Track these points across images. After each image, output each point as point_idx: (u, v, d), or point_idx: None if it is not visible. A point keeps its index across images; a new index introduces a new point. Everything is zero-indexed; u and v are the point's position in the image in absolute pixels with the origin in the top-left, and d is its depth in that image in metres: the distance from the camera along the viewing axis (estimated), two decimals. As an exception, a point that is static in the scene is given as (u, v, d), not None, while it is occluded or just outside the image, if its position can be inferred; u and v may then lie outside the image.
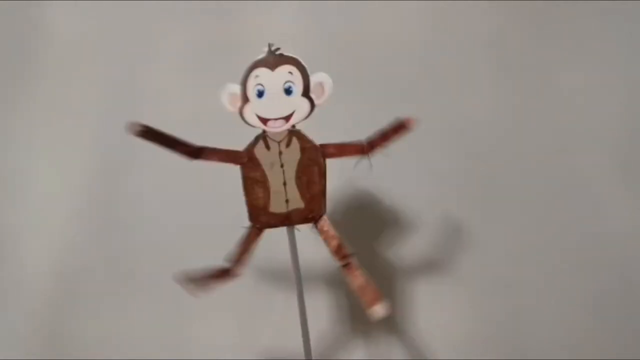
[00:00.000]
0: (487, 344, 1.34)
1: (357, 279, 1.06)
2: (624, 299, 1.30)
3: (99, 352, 1.42)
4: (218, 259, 1.34)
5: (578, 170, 1.32)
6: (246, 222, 1.10)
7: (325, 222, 1.09)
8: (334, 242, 1.08)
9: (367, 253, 1.36)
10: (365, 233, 1.38)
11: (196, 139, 1.33)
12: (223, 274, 1.11)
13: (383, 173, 1.20)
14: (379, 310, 1.03)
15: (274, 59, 1.07)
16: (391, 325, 1.37)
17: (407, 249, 1.37)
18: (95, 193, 1.45)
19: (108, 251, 1.44)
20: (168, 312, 1.42)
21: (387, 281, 1.37)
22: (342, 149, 1.07)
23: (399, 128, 1.03)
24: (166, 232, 1.43)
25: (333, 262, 1.08)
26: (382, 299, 1.03)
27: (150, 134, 1.08)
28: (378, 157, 1.05)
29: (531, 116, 1.35)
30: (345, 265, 1.08)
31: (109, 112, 1.45)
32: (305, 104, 1.07)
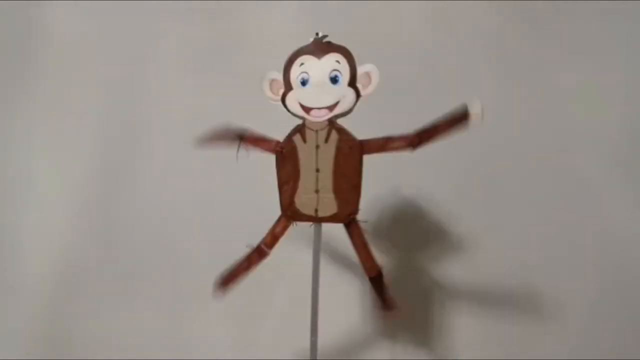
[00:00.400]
0: (486, 344, 1.30)
1: (378, 289, 1.02)
2: (625, 299, 1.27)
3: (99, 352, 1.38)
4: (218, 259, 1.29)
5: (578, 170, 1.30)
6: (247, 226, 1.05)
7: (356, 227, 1.00)
8: (364, 251, 1.00)
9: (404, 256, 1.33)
10: (403, 237, 1.33)
11: (197, 130, 1.30)
12: (252, 258, 1.05)
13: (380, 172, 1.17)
14: (392, 312, 1.02)
15: (322, 47, 1.03)
16: (409, 325, 1.32)
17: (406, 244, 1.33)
18: (95, 193, 1.44)
19: (108, 251, 1.42)
20: (168, 311, 1.39)
21: (420, 283, 1.32)
22: (385, 144, 0.99)
23: (456, 121, 0.97)
24: (166, 233, 1.40)
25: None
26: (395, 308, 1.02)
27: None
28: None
29: (532, 116, 1.32)
30: (373, 278, 1.01)
31: (109, 112, 1.45)
32: (351, 93, 1.01)
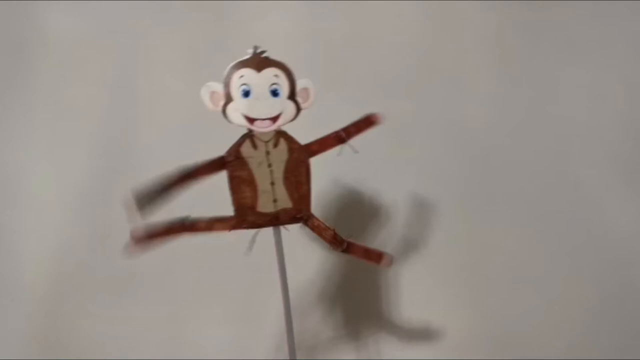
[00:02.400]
0: (486, 344, 1.36)
1: (360, 250, 1.12)
2: (624, 300, 1.34)
3: (95, 353, 1.33)
4: (215, 259, 1.32)
5: (578, 171, 1.35)
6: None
7: (315, 219, 1.10)
8: (329, 232, 1.10)
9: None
10: (351, 229, 1.35)
11: (193, 139, 1.33)
12: (174, 229, 1.06)
13: (381, 172, 1.27)
14: (387, 260, 1.12)
15: (260, 61, 1.08)
16: (379, 325, 1.37)
17: (403, 250, 1.39)
18: (92, 193, 1.38)
19: (105, 252, 1.34)
20: (165, 312, 1.34)
21: (378, 281, 1.37)
22: (323, 143, 1.10)
23: (367, 121, 1.10)
24: None
25: (318, 263, 1.09)
26: (385, 253, 1.11)
27: (149, 200, 1.03)
28: (373, 158, 1.10)
29: (531, 117, 1.37)
30: (346, 249, 1.11)
31: (106, 112, 1.40)
32: (291, 106, 1.09)
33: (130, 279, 1.35)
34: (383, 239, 1.39)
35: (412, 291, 1.38)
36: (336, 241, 1.10)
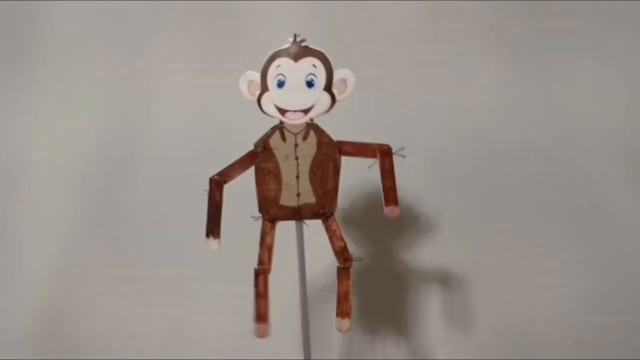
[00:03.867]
0: (490, 340, 1.33)
1: (345, 287, 1.06)
2: (627, 295, 1.30)
3: (98, 350, 1.37)
4: (219, 257, 1.30)
5: (581, 166, 1.32)
6: (246, 216, 1.06)
7: (334, 221, 1.06)
8: (340, 243, 1.06)
9: (375, 251, 1.35)
10: (379, 231, 1.35)
11: (194, 136, 1.36)
12: (260, 279, 1.07)
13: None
14: (344, 324, 1.06)
15: (298, 50, 1.05)
16: (399, 326, 1.34)
17: (412, 247, 1.36)
18: (94, 190, 1.42)
19: (108, 248, 1.40)
20: (169, 309, 1.37)
21: (399, 279, 1.35)
22: (360, 149, 1.06)
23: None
24: (167, 229, 1.39)
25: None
26: (350, 317, 1.06)
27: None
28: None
29: (533, 111, 1.35)
30: (343, 269, 1.07)
31: (108, 108, 1.43)
32: (326, 98, 1.05)
33: (134, 276, 1.38)
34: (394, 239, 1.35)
35: (421, 288, 1.34)
36: (342, 256, 1.06)
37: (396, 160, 1.05)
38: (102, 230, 1.41)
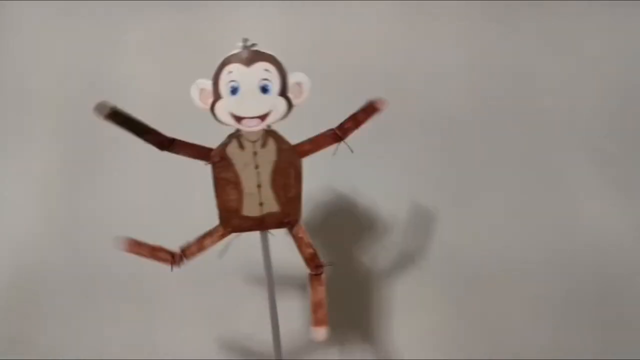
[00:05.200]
0: (463, 343, 1.33)
1: (318, 294, 1.05)
2: (597, 292, 1.32)
3: (62, 352, 1.32)
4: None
5: (553, 164, 1.34)
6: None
7: (300, 229, 1.05)
8: (309, 251, 1.05)
9: (344, 255, 1.35)
10: (342, 235, 1.35)
11: (163, 129, 1.24)
12: (168, 257, 1.04)
13: (358, 171, 1.20)
14: (321, 332, 1.05)
15: (250, 55, 1.02)
16: (365, 327, 1.34)
17: (383, 246, 1.36)
18: (59, 192, 1.38)
19: (73, 253, 1.35)
20: (134, 314, 1.34)
21: (362, 282, 1.35)
22: (317, 143, 1.03)
23: (369, 109, 1.02)
24: (133, 234, 1.30)
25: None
26: (327, 324, 1.05)
27: (119, 117, 0.99)
28: (354, 157, 1.03)
29: (506, 109, 1.36)
30: (315, 275, 1.05)
31: (73, 106, 1.37)
32: (282, 103, 1.02)
33: (99, 281, 1.35)
34: (362, 240, 1.35)
35: (399, 291, 1.35)
36: (313, 262, 1.04)
37: (377, 164, 1.03)
38: (67, 235, 1.37)
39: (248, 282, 1.18)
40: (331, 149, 1.04)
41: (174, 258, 1.04)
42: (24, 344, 1.34)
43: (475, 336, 1.33)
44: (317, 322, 1.05)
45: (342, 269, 1.29)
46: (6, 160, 1.39)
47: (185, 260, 1.05)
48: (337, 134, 1.03)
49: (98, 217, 1.36)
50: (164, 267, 1.26)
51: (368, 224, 1.36)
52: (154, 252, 1.04)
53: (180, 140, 1.02)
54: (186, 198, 1.19)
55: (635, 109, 1.37)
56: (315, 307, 1.05)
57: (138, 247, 1.03)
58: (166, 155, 1.29)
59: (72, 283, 1.35)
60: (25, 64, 1.39)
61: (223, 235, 1.04)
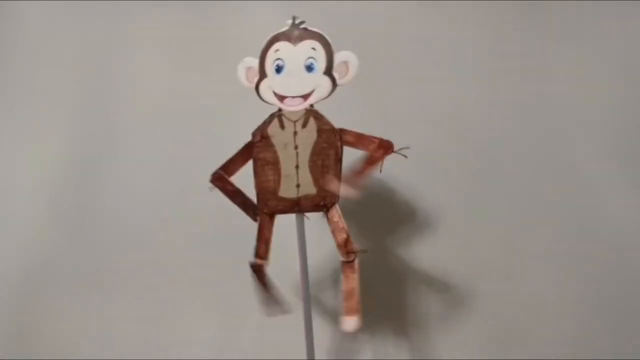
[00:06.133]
0: (484, 342, 1.26)
1: (351, 282, 0.98)
2: (621, 291, 1.24)
3: (70, 351, 1.33)
4: (195, 255, 1.26)
5: (575, 162, 1.26)
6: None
7: (335, 212, 0.99)
8: (342, 235, 0.98)
9: (381, 247, 1.27)
10: (381, 226, 1.28)
11: (171, 125, 1.31)
12: (259, 273, 1.03)
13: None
14: (352, 322, 0.98)
15: (297, 33, 0.99)
16: (398, 325, 1.28)
17: (410, 244, 1.29)
18: (67, 187, 1.38)
19: (81, 247, 1.36)
20: (144, 309, 1.33)
21: (400, 276, 1.28)
22: (361, 140, 0.98)
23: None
24: (142, 228, 1.34)
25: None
26: (359, 313, 0.98)
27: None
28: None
29: (524, 107, 1.28)
30: (348, 262, 0.99)
31: (82, 102, 1.39)
32: (326, 82, 0.99)
33: (108, 276, 1.34)
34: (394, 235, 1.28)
35: (436, 287, 1.27)
36: (346, 248, 0.98)
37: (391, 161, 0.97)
38: (75, 228, 1.37)
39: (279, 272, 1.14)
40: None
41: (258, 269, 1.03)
42: (31, 338, 1.35)
43: (487, 332, 1.26)
44: (349, 311, 0.98)
45: (379, 262, 1.23)
46: (15, 156, 1.41)
47: (265, 262, 1.03)
48: (380, 146, 0.97)
49: (109, 210, 1.36)
50: (172, 263, 1.30)
51: (409, 215, 1.28)
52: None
53: (225, 166, 1.03)
54: (196, 194, 1.17)
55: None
56: (347, 295, 0.98)
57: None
58: (175, 151, 1.33)
59: (79, 279, 1.35)
60: (36, 62, 1.42)
61: (269, 220, 1.02)
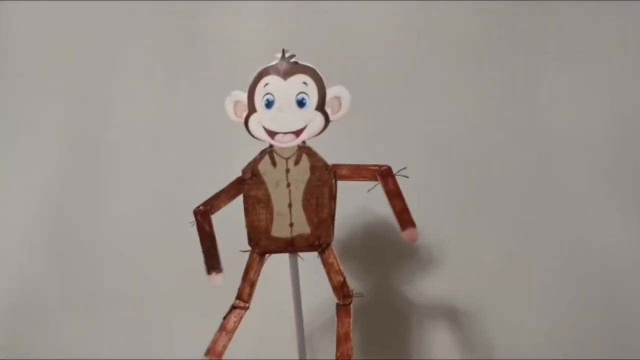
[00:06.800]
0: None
1: (345, 326, 0.98)
2: (608, 307, 1.25)
3: None
4: (184, 277, 1.25)
5: (562, 178, 1.27)
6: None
7: (331, 253, 0.97)
8: (339, 278, 0.97)
9: (380, 285, 1.27)
10: (380, 263, 1.28)
11: (163, 143, 1.29)
12: (234, 313, 0.99)
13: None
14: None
15: (288, 67, 0.97)
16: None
17: (413, 280, 1.29)
18: (55, 206, 1.35)
19: (68, 268, 1.33)
20: (132, 332, 1.30)
21: (396, 318, 1.28)
22: (357, 171, 0.97)
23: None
24: (131, 249, 1.32)
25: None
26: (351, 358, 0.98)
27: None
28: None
29: (512, 124, 1.28)
30: (343, 306, 0.98)
31: (74, 120, 1.36)
32: (319, 118, 0.96)
33: (95, 298, 1.32)
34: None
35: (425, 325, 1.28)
36: (342, 291, 0.97)
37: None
38: (62, 249, 1.35)
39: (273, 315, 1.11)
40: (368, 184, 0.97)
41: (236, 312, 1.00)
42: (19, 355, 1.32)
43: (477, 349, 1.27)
44: (342, 356, 0.98)
45: (378, 301, 1.23)
46: (3, 177, 1.39)
47: (247, 305, 1.00)
48: (377, 174, 0.96)
49: (97, 231, 1.34)
50: (164, 285, 1.28)
51: (409, 252, 1.27)
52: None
53: (210, 200, 0.99)
54: (185, 219, 1.15)
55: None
56: (341, 340, 0.98)
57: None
58: (168, 167, 1.32)
59: (68, 301, 1.33)
60: (25, 83, 1.39)
61: (259, 260, 0.99)
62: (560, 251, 1.26)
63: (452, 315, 1.27)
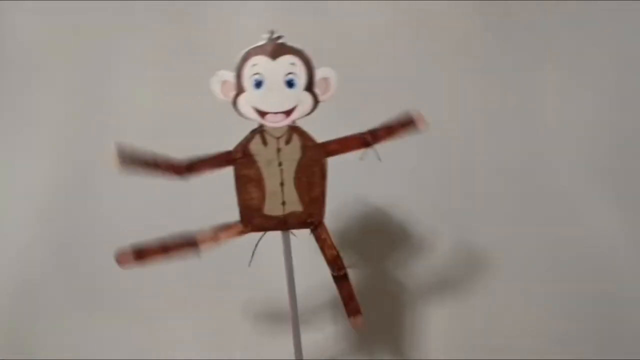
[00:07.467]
0: (468, 354, 1.31)
1: (347, 288, 1.01)
2: (598, 302, 1.30)
3: None
4: (185, 274, 1.24)
5: (553, 175, 1.32)
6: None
7: (323, 230, 1.00)
8: (332, 252, 1.00)
9: (364, 260, 1.30)
10: (375, 247, 1.31)
11: (163, 142, 1.21)
12: (177, 247, 0.99)
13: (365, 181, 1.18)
14: (358, 321, 1.02)
15: (275, 48, 0.98)
16: (395, 345, 1.31)
17: (396, 255, 1.33)
18: (56, 203, 1.34)
19: (69, 265, 1.31)
20: (133, 328, 1.30)
21: (394, 298, 1.31)
22: (345, 144, 0.99)
23: (407, 124, 0.98)
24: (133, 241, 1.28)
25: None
26: (362, 312, 1.02)
27: (130, 161, 0.97)
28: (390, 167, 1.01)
29: (505, 123, 1.33)
30: (339, 277, 1.01)
31: (74, 118, 1.35)
32: (308, 98, 0.98)
33: (96, 293, 1.32)
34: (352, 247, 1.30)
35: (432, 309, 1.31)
36: (336, 264, 1.00)
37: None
38: (63, 246, 1.33)
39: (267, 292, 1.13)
40: (358, 153, 1.00)
41: (190, 246, 0.99)
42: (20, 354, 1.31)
43: (470, 344, 1.31)
44: (352, 313, 1.02)
45: (374, 281, 1.27)
46: (5, 175, 1.36)
47: (191, 247, 0.99)
48: (367, 140, 0.99)
49: (98, 227, 1.33)
50: (164, 279, 1.26)
51: (402, 236, 1.31)
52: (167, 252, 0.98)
53: (197, 159, 0.98)
54: (188, 207, 1.14)
55: (636, 121, 1.33)
56: (347, 300, 1.01)
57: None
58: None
59: (69, 296, 1.32)
60: (23, 83, 1.37)
61: (241, 233, 1.00)
62: (553, 245, 1.30)
63: (442, 300, 1.31)
